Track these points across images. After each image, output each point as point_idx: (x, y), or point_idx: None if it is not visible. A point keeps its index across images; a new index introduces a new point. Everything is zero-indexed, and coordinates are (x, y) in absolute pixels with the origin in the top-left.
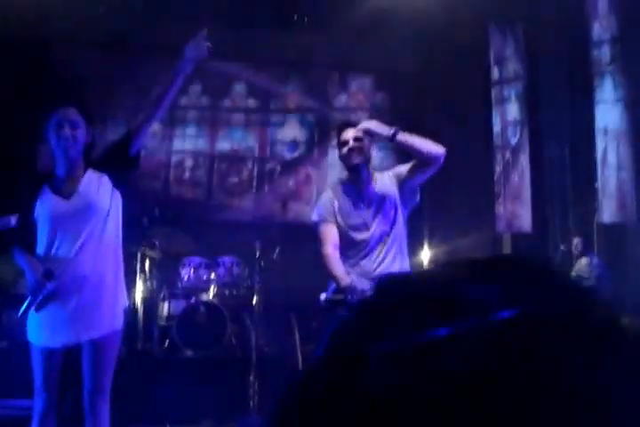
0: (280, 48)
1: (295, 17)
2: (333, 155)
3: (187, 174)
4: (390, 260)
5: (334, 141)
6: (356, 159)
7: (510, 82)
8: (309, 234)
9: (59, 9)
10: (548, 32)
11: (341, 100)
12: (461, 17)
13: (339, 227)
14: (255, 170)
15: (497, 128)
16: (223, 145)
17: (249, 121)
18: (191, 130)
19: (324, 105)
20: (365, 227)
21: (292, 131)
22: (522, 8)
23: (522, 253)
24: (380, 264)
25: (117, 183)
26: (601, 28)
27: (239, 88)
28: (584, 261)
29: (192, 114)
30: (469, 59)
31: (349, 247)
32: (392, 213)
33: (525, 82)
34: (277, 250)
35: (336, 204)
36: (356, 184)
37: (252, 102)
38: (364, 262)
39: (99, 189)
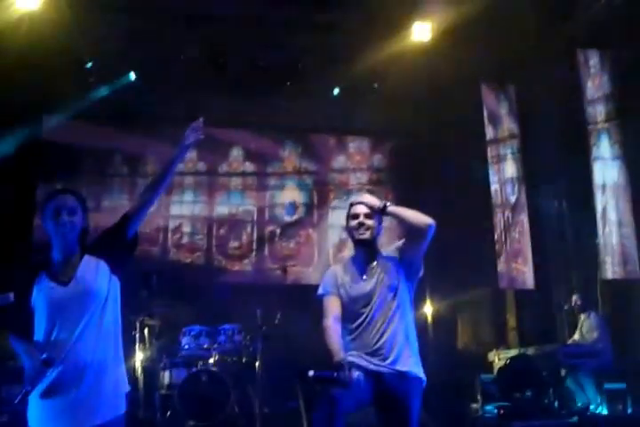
0: (276, 113)
1: (289, 83)
2: (333, 216)
3: (185, 239)
4: (391, 333)
5: (333, 203)
6: (364, 235)
7: (506, 140)
8: (310, 297)
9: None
10: (540, 91)
11: (339, 161)
12: (457, 78)
13: (342, 299)
14: (255, 233)
15: (495, 186)
16: (221, 209)
17: (246, 185)
18: (188, 195)
19: (321, 167)
20: (367, 299)
21: (290, 193)
22: (513, 69)
23: (525, 309)
24: (380, 337)
25: (115, 268)
26: (594, 86)
27: (236, 153)
28: (583, 317)
29: (189, 180)
30: (465, 119)
31: (351, 320)
32: (395, 286)
33: (520, 140)
34: (279, 315)
35: (340, 276)
36: (361, 258)
37: (249, 166)
38: (365, 335)
39: (96, 275)
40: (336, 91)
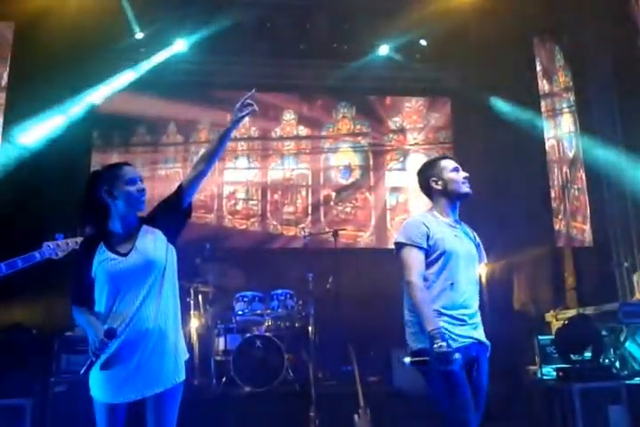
0: (326, 75)
1: (335, 45)
2: (390, 178)
3: (240, 206)
4: (475, 296)
5: (390, 165)
6: (470, 188)
7: (562, 94)
8: (362, 261)
9: None
10: (596, 43)
11: (395, 121)
12: (507, 33)
13: (431, 253)
14: (310, 198)
15: (552, 141)
16: (275, 174)
17: (300, 149)
18: (242, 161)
19: (377, 128)
20: (462, 256)
21: (345, 156)
22: (565, 21)
23: (584, 268)
24: (466, 299)
25: (171, 237)
26: None
27: (289, 117)
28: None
29: (242, 145)
30: (519, 75)
31: (441, 276)
32: (478, 245)
33: (576, 94)
34: (330, 280)
35: (434, 229)
36: (454, 212)
37: (302, 130)
38: (454, 296)
39: (155, 245)
40: (384, 50)
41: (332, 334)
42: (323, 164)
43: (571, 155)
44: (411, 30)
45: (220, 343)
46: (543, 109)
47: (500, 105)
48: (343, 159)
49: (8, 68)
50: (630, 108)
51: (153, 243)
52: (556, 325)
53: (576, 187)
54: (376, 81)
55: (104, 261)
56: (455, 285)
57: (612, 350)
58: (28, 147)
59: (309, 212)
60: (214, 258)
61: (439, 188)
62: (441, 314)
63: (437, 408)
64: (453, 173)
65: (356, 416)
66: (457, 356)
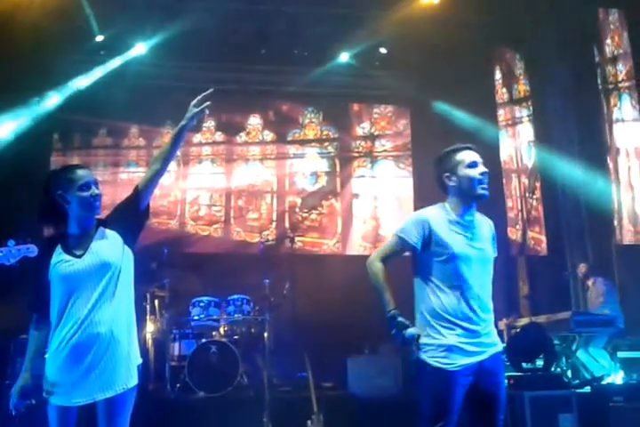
0: (291, 81)
1: (296, 51)
2: (357, 185)
3: (203, 211)
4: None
5: (357, 171)
6: (486, 190)
7: (521, 102)
8: (321, 267)
9: None
10: (554, 51)
11: (363, 127)
12: (467, 41)
13: (432, 255)
14: (274, 204)
15: (510, 150)
16: (240, 180)
17: (265, 154)
18: (206, 166)
19: (344, 134)
20: (467, 260)
21: (311, 162)
22: (524, 30)
23: (538, 276)
24: (477, 301)
25: (128, 240)
26: (613, 44)
27: (254, 121)
28: (590, 283)
29: (207, 150)
30: (476, 82)
31: (447, 279)
32: (492, 255)
33: (535, 103)
34: (287, 286)
35: (438, 229)
36: (467, 213)
37: (268, 135)
38: (462, 301)
39: (110, 247)
40: (345, 57)
41: (288, 340)
42: (288, 169)
43: (529, 165)
44: (371, 38)
45: (176, 348)
46: (501, 118)
47: (457, 114)
48: (309, 165)
49: None
50: (587, 118)
51: (108, 245)
52: (508, 333)
53: (535, 197)
54: (336, 88)
55: (58, 262)
56: (466, 291)
57: (563, 359)
58: None
59: (274, 218)
60: (171, 263)
61: (452, 184)
62: (454, 325)
63: (418, 414)
64: (469, 170)
65: (309, 422)
66: (410, 332)
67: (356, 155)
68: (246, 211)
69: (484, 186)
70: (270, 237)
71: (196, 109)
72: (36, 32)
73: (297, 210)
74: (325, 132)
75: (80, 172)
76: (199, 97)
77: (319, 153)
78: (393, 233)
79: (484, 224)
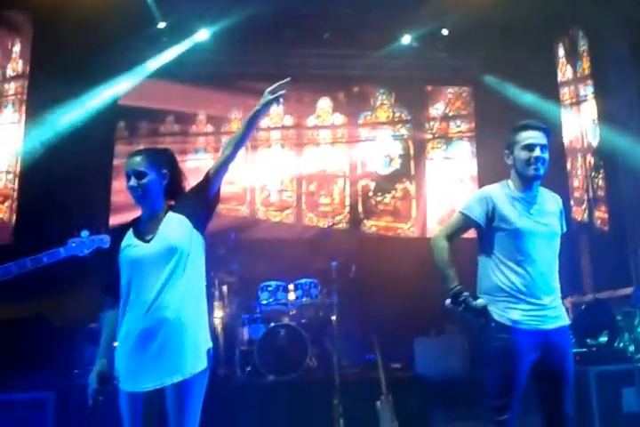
0: (357, 64)
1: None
2: (432, 168)
3: (273, 197)
4: (551, 274)
5: (431, 153)
6: (540, 170)
7: (586, 80)
8: (387, 249)
9: None
10: (615, 32)
11: (437, 108)
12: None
13: (495, 230)
14: (347, 189)
15: (575, 129)
16: (311, 164)
17: (336, 138)
18: (276, 151)
19: (417, 115)
20: (529, 232)
21: (384, 145)
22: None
23: (600, 254)
24: (540, 277)
25: (198, 224)
26: None
27: (324, 104)
28: None
29: (275, 134)
30: (540, 61)
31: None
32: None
33: (597, 81)
34: (353, 268)
35: (502, 207)
36: (525, 193)
37: (338, 118)
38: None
39: (178, 232)
40: (407, 39)
41: (356, 322)
42: (361, 153)
43: (595, 143)
44: (432, 20)
45: (245, 333)
46: (565, 97)
47: (520, 94)
48: (382, 148)
49: (30, 60)
50: None
51: (176, 229)
52: (573, 311)
53: (600, 176)
54: (404, 70)
55: (127, 247)
56: (530, 266)
57: (626, 334)
58: (51, 139)
59: (347, 203)
60: (239, 248)
61: (510, 162)
62: (518, 300)
63: (483, 391)
64: (524, 152)
65: (378, 403)
66: (480, 302)
67: (431, 136)
68: (318, 196)
69: (536, 166)
70: (343, 222)
71: (271, 97)
72: (94, 20)
73: (370, 194)
74: (398, 114)
75: (129, 160)
76: (275, 84)
77: (392, 135)
78: (457, 210)
79: (551, 200)
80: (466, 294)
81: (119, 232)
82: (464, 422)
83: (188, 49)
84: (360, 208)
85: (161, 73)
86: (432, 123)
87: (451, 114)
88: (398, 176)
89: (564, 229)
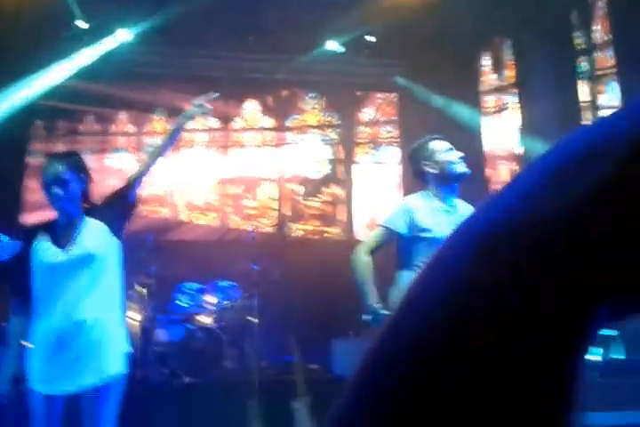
0: (283, 67)
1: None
2: (360, 173)
3: (197, 200)
4: None
5: (361, 159)
6: (465, 168)
7: (510, 89)
8: (311, 253)
9: None
10: (538, 40)
11: (367, 113)
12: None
13: (417, 240)
14: (274, 192)
15: (498, 137)
16: (237, 167)
17: (264, 141)
18: (200, 153)
19: (347, 120)
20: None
21: (313, 149)
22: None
23: None
24: None
25: (116, 230)
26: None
27: (251, 107)
28: None
29: (201, 136)
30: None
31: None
32: None
33: (520, 90)
34: (278, 272)
35: (420, 215)
36: (448, 195)
37: (266, 121)
38: None
39: (96, 238)
40: (333, 45)
41: (276, 324)
42: (289, 156)
43: (518, 152)
44: (359, 25)
45: (162, 335)
46: (489, 105)
47: (442, 102)
48: (311, 152)
49: None
50: (570, 106)
51: (94, 237)
52: None
53: None
54: (328, 75)
55: (42, 251)
56: None
57: None
58: None
59: (273, 207)
60: (159, 250)
61: (434, 171)
62: None
63: None
64: (446, 154)
65: (295, 404)
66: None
67: (361, 141)
68: (244, 199)
69: (463, 164)
70: (269, 225)
71: (197, 110)
72: (15, 15)
73: (298, 198)
74: (328, 119)
75: (48, 169)
76: (202, 98)
77: (322, 139)
78: (378, 224)
79: (467, 211)
80: (383, 312)
81: (30, 233)
82: None
83: (111, 49)
84: (287, 212)
85: (82, 72)
86: (362, 127)
87: (381, 119)
88: (327, 180)
89: None
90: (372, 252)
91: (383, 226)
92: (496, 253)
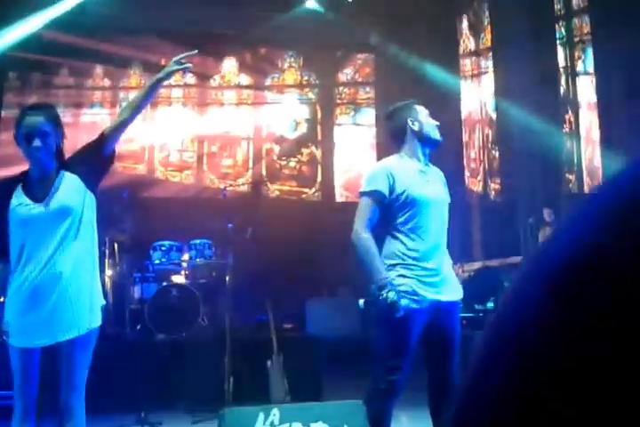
0: (267, 25)
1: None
2: (339, 134)
3: (173, 157)
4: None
5: (339, 119)
6: (440, 136)
7: (487, 53)
8: (287, 214)
9: None
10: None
11: (347, 74)
12: None
13: (396, 200)
14: (250, 151)
15: (475, 101)
16: (213, 125)
17: (241, 99)
18: (177, 110)
19: (326, 80)
20: (430, 203)
21: (291, 108)
22: None
23: (490, 222)
24: (434, 244)
25: (91, 184)
26: None
27: (229, 64)
28: (548, 229)
29: (177, 92)
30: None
31: (409, 226)
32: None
33: (496, 55)
34: (250, 231)
35: (399, 175)
36: (425, 158)
37: (244, 79)
38: (421, 243)
39: (72, 192)
40: (311, 3)
41: (250, 284)
42: (266, 115)
43: (494, 116)
44: None
45: (136, 292)
46: (467, 69)
47: (420, 63)
48: (289, 111)
49: None
50: (546, 70)
51: (69, 190)
52: (462, 276)
53: (496, 148)
54: (306, 34)
55: (18, 206)
56: (425, 232)
57: None
58: None
59: (250, 166)
60: (133, 207)
61: (416, 129)
62: (413, 265)
63: (373, 351)
64: (429, 119)
65: (268, 362)
66: (405, 302)
67: (339, 102)
68: (220, 157)
69: (439, 133)
70: (244, 184)
71: (177, 67)
72: None
73: (275, 158)
74: (306, 78)
75: (26, 120)
76: (182, 55)
77: (299, 99)
78: (362, 194)
79: (437, 171)
80: (392, 287)
81: (5, 187)
82: (354, 381)
83: (86, 1)
84: (263, 172)
85: (57, 23)
86: (341, 88)
87: (360, 80)
88: (304, 141)
89: (449, 199)
90: (369, 227)
91: (369, 192)
92: (576, 296)
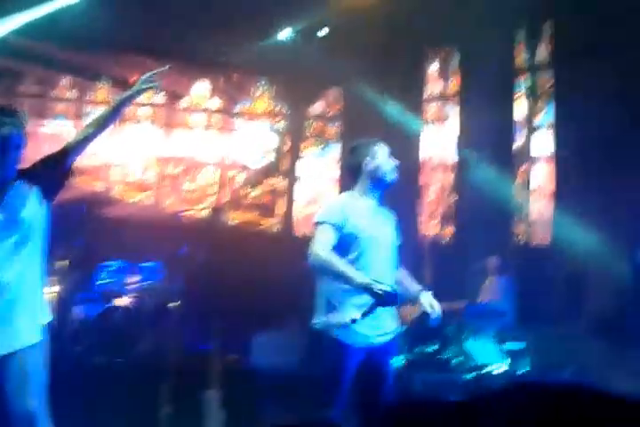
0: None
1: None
2: (305, 166)
3: (133, 177)
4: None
5: (306, 152)
6: (395, 178)
7: (454, 97)
8: (243, 243)
9: None
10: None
11: (317, 107)
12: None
13: (350, 235)
14: (215, 177)
15: (437, 145)
16: (179, 147)
17: (210, 123)
18: (143, 128)
19: (297, 112)
20: (385, 243)
21: (259, 137)
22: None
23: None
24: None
25: (47, 197)
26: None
27: (201, 87)
28: (493, 278)
29: (145, 111)
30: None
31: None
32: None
33: (461, 101)
34: (202, 257)
35: (353, 212)
36: (379, 200)
37: (214, 103)
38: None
39: (25, 202)
40: (285, 33)
41: (197, 310)
42: (234, 143)
43: (454, 161)
44: (313, 17)
45: (79, 311)
46: (430, 113)
47: (386, 104)
48: (257, 140)
49: None
50: (506, 123)
51: (25, 201)
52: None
53: (454, 193)
54: (279, 64)
55: None
56: (371, 272)
57: (453, 346)
58: None
59: (212, 191)
60: (86, 224)
61: (370, 168)
62: (357, 305)
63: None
64: (387, 159)
65: (208, 392)
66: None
67: (308, 135)
68: (183, 181)
69: (396, 173)
70: (204, 210)
71: (146, 85)
72: None
73: (238, 185)
74: (277, 108)
75: (2, 130)
76: (153, 72)
77: (269, 128)
78: (318, 224)
79: (389, 214)
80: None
81: None
82: (293, 414)
83: (58, 10)
84: (226, 199)
85: (25, 31)
86: (310, 121)
87: (330, 114)
88: (270, 170)
89: (399, 241)
90: (329, 249)
91: (324, 222)
92: None
